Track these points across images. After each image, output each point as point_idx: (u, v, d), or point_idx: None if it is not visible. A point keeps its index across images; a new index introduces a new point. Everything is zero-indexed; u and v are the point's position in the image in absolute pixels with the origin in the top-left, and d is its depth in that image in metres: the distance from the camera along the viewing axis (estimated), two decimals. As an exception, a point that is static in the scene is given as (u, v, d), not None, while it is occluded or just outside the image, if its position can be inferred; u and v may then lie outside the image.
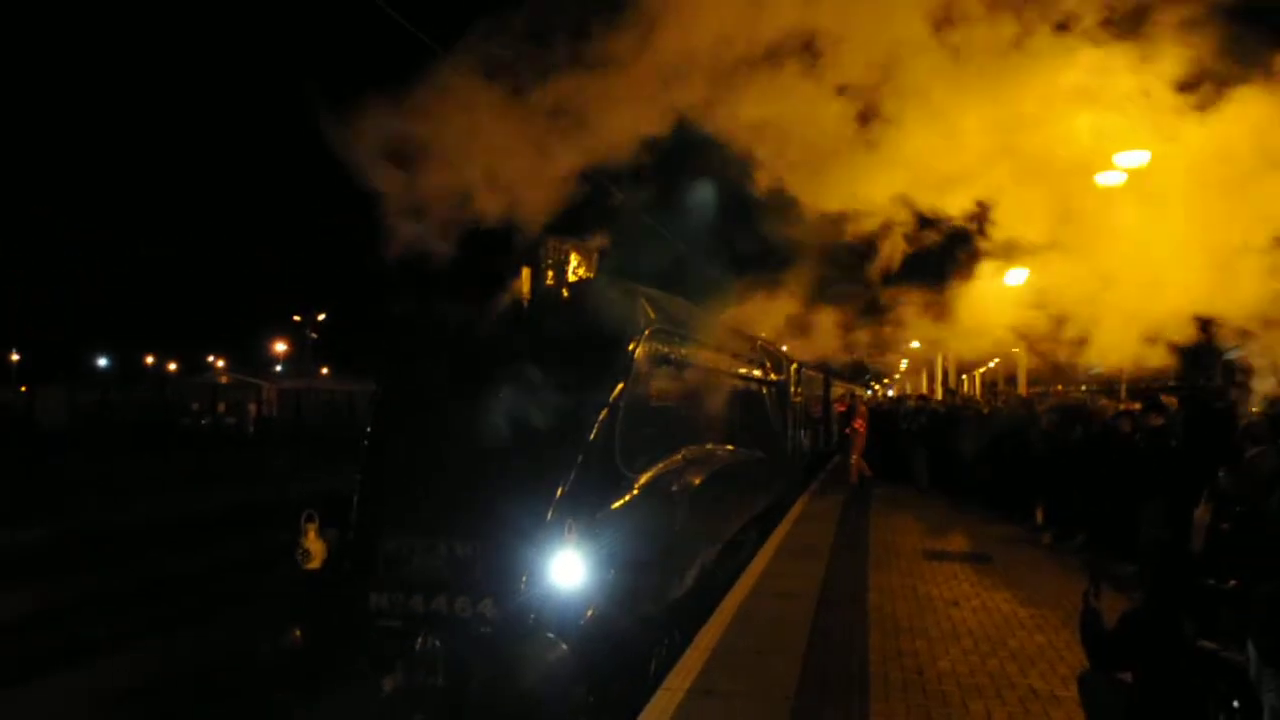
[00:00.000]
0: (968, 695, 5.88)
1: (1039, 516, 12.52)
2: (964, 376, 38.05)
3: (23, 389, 33.50)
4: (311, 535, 6.29)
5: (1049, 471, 12.05)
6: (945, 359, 29.67)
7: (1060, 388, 19.53)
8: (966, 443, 15.91)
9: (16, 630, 10.08)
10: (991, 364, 33.12)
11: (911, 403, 25.09)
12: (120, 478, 20.75)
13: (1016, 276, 18.10)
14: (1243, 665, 3.51)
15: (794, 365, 17.08)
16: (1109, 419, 11.39)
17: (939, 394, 28.73)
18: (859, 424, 18.79)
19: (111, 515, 16.52)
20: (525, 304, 7.13)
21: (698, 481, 8.07)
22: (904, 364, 44.88)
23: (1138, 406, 12.01)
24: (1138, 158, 9.89)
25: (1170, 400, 10.88)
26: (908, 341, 29.86)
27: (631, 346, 7.13)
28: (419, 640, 5.76)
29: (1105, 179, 10.63)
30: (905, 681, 6.14)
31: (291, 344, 60.38)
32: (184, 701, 7.85)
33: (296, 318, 53.02)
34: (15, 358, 61.25)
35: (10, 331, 57.27)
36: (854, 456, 18.61)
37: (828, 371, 23.97)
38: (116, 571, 12.74)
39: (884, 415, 21.91)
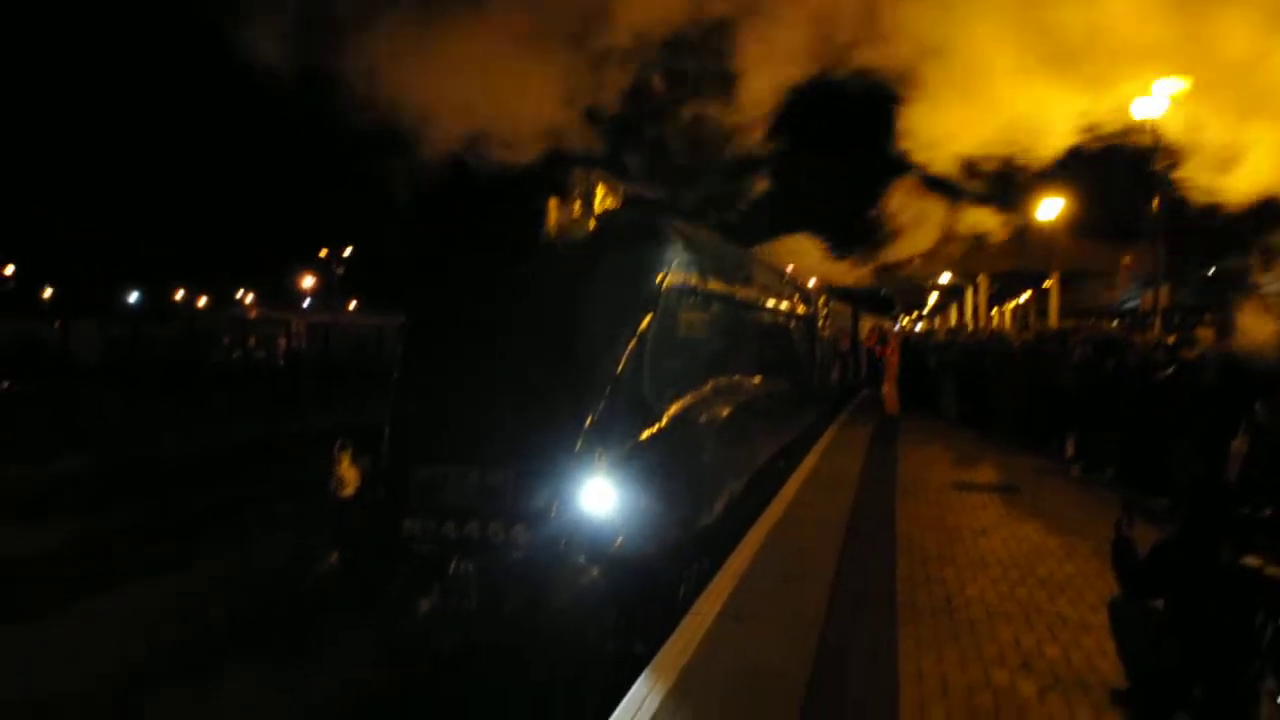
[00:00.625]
0: (996, 621, 5.91)
1: (1069, 449, 12.46)
2: (994, 311, 37.69)
3: (57, 324, 33.87)
4: (345, 463, 6.36)
5: (1080, 404, 11.96)
6: (976, 292, 29.37)
7: (1092, 321, 19.29)
8: (995, 376, 15.83)
9: (55, 558, 10.32)
10: (1023, 298, 32.74)
11: (941, 335, 24.92)
12: (153, 411, 21.06)
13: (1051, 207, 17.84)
14: None
15: (822, 298, 16.98)
16: (1143, 351, 11.26)
17: (970, 327, 28.50)
18: (890, 353, 18.77)
19: (145, 447, 16.79)
20: (553, 235, 7.08)
21: (726, 412, 8.08)
22: (933, 297, 44.51)
23: (1172, 339, 11.87)
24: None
25: (1205, 334, 10.73)
26: (938, 274, 29.66)
27: (660, 277, 7.08)
28: (452, 565, 5.85)
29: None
30: (934, 607, 6.18)
31: (319, 279, 60.53)
32: (226, 625, 8.04)
33: (323, 252, 53.03)
34: (48, 292, 61.96)
35: (43, 266, 57.84)
36: (886, 385, 18.64)
37: (856, 304, 23.82)
38: (152, 502, 12.98)
39: (913, 348, 21.78)
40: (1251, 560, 3.62)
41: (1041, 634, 5.66)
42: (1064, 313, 23.49)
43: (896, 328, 40.90)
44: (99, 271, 58.40)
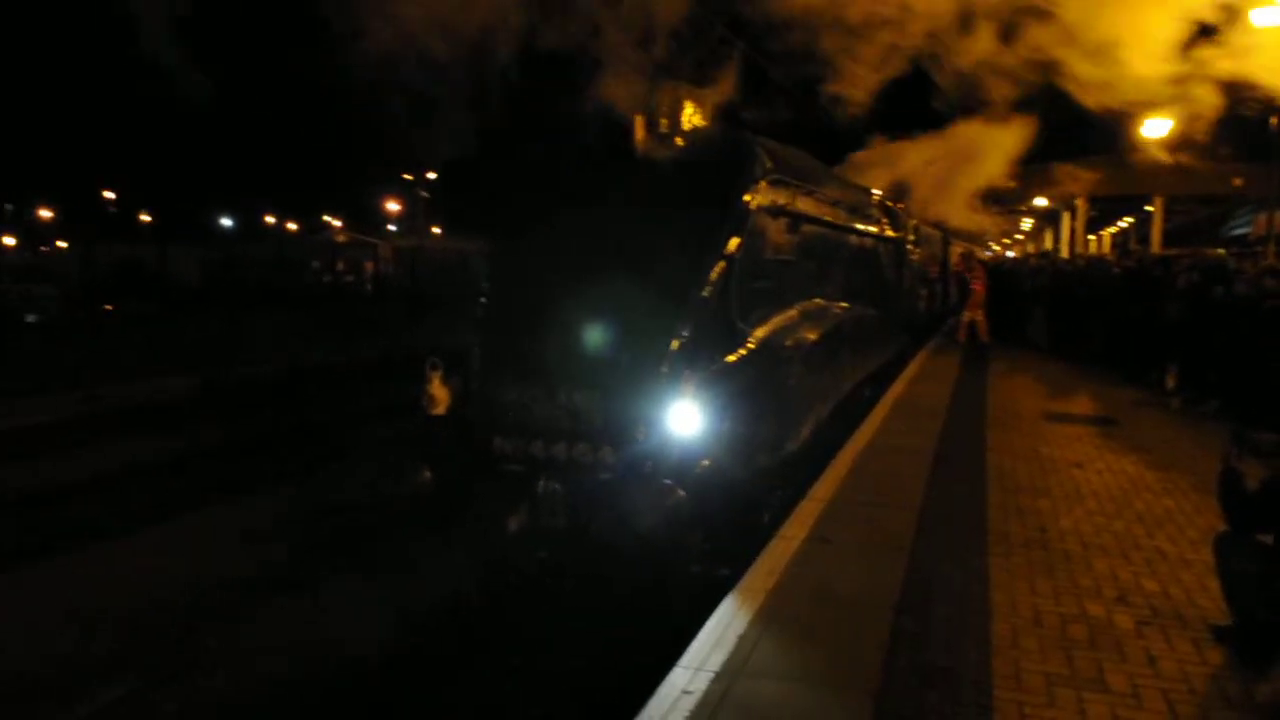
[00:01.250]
0: (1091, 554, 5.77)
1: (1170, 381, 12.01)
2: (1090, 237, 36.27)
3: (155, 247, 35.04)
4: (436, 382, 6.46)
5: (1184, 334, 11.48)
6: (1074, 217, 28.28)
7: (1198, 248, 18.39)
8: (1093, 304, 15.29)
9: (163, 472, 10.81)
10: (1124, 223, 31.45)
11: (1034, 260, 24.11)
12: (249, 332, 21.74)
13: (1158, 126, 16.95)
14: None
15: (913, 222, 16.52)
16: (1254, 278, 10.71)
17: (1065, 254, 27.52)
18: (977, 284, 18.26)
19: (242, 368, 17.37)
20: (639, 153, 6.97)
21: (812, 336, 7.95)
22: (1027, 224, 43.07)
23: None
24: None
25: None
26: (1031, 199, 28.57)
27: (747, 197, 6.93)
28: (540, 483, 5.93)
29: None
30: (1026, 538, 6.06)
31: (404, 203, 61.19)
32: (322, 539, 8.34)
33: (407, 176, 53.51)
34: (147, 218, 63.98)
35: (142, 192, 59.63)
36: (966, 314, 18.26)
37: (946, 230, 23.15)
38: (250, 420, 13.46)
39: (1004, 275, 21.11)
40: None
41: (1139, 568, 5.51)
42: (1168, 239, 22.50)
43: (988, 253, 39.79)
44: (194, 197, 60.02)
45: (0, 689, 5.80)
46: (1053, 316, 17.54)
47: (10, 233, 54.84)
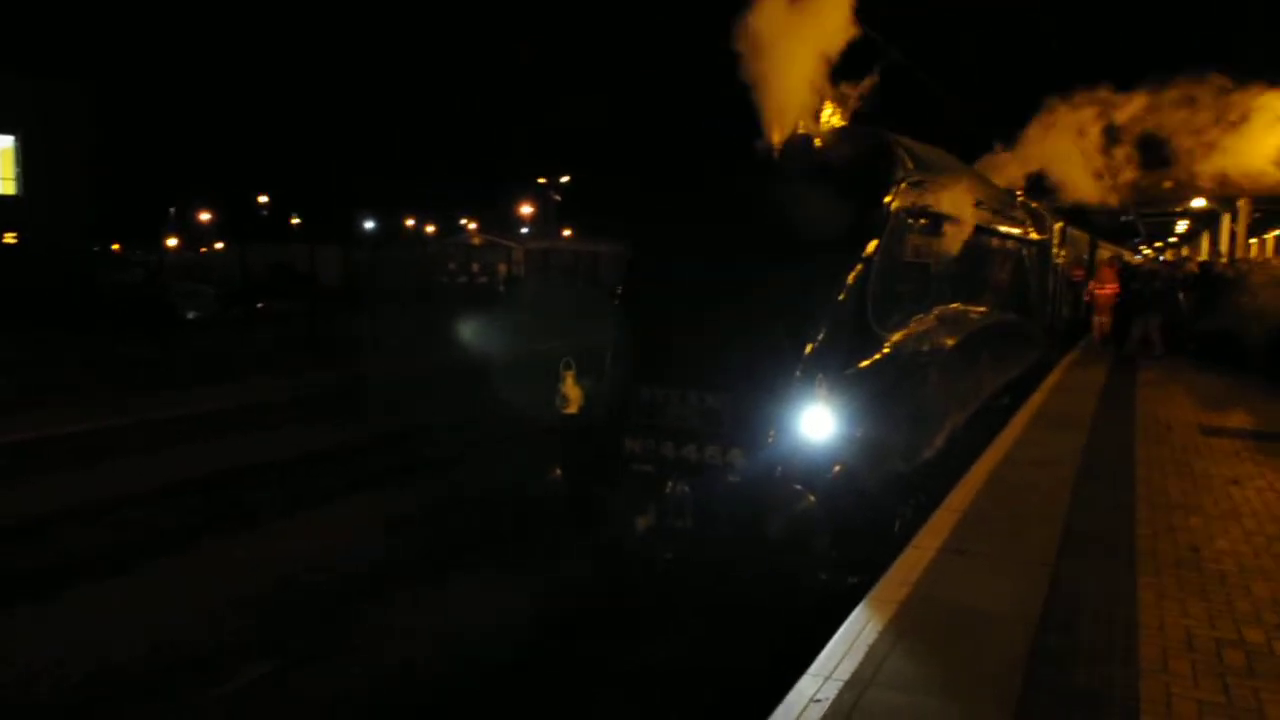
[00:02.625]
0: (1249, 577, 5.43)
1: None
2: (1252, 241, 34.05)
3: (304, 249, 36.84)
4: (569, 382, 6.58)
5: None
6: (1235, 219, 26.63)
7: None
8: (1252, 310, 14.40)
9: (316, 461, 11.36)
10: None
11: (1153, 264, 22.85)
12: (390, 330, 22.62)
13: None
14: None
15: (1058, 225, 15.89)
16: None
17: (1224, 258, 25.95)
18: (1096, 286, 18.02)
19: (387, 364, 18.09)
20: (776, 154, 6.93)
21: (950, 343, 7.76)
22: (1182, 225, 40.78)
23: None
24: None
25: None
26: (1188, 200, 27.01)
27: (887, 199, 6.82)
28: (670, 484, 5.97)
29: None
30: (1178, 558, 5.75)
31: (537, 206, 62.54)
32: (457, 530, 8.62)
33: (541, 180, 54.67)
34: (296, 220, 67.25)
35: (290, 196, 62.69)
36: (1097, 317, 17.86)
37: (1095, 232, 22.13)
38: (398, 413, 14.00)
39: (1154, 278, 20.10)
40: None
41: (1304, 594, 5.16)
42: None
43: (1138, 257, 37.90)
44: (339, 200, 62.83)
45: (158, 662, 6.22)
46: (1208, 323, 16.59)
47: (174, 234, 58.53)
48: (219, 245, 56.65)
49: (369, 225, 68.50)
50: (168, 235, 57.29)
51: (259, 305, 33.78)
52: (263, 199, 66.17)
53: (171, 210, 60.94)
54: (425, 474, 10.85)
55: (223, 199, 60.78)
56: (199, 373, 16.39)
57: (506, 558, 7.21)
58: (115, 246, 50.77)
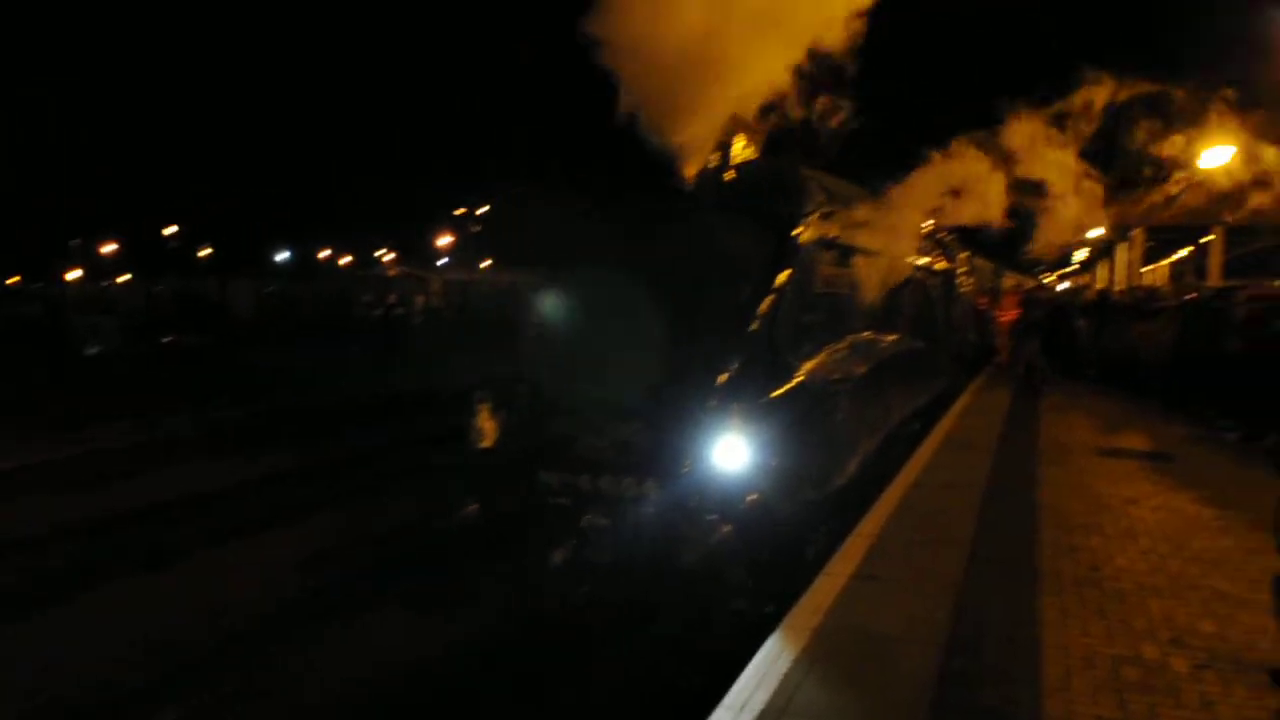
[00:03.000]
0: (1146, 594, 5.65)
1: (1225, 415, 11.75)
2: (1145, 269, 35.59)
3: (214, 281, 35.96)
4: (484, 415, 6.54)
5: (1242, 368, 11.23)
6: (1130, 247, 27.80)
7: (1259, 279, 17.98)
8: (1147, 336, 15.07)
9: (221, 499, 11.03)
10: (1182, 253, 30.81)
11: (1091, 294, 23.80)
12: (301, 363, 22.17)
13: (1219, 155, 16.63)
14: None
15: (964, 254, 16.40)
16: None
17: (1119, 285, 27.06)
18: (999, 311, 18.71)
19: (296, 398, 17.71)
20: (691, 185, 7.03)
21: (861, 370, 7.92)
22: (1081, 254, 42.39)
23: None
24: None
25: None
26: (1088, 228, 28.11)
27: (797, 231, 6.96)
28: (586, 517, 5.96)
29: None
30: (1079, 577, 5.94)
31: (455, 237, 62.12)
32: (370, 566, 8.44)
33: (459, 211, 54.40)
34: (207, 251, 65.57)
35: (202, 227, 61.09)
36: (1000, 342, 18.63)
37: (999, 261, 22.90)
38: (308, 449, 13.70)
39: (1053, 306, 20.96)
40: None
41: (1195, 609, 5.38)
42: (1228, 270, 22.00)
43: (1039, 285, 39.26)
44: (252, 232, 61.50)
45: (53, 714, 5.94)
46: (1106, 349, 17.29)
47: (76, 266, 56.50)
48: (124, 277, 54.87)
49: (282, 257, 67.18)
50: (70, 267, 55.28)
51: (166, 339, 32.80)
52: (170, 230, 64.41)
53: (74, 242, 58.94)
54: (338, 509, 10.63)
55: (129, 230, 58.97)
56: (99, 409, 15.79)
57: (421, 595, 7.08)
58: (13, 279, 48.82)
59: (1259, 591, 5.29)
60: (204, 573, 8.51)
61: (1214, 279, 20.00)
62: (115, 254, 59.42)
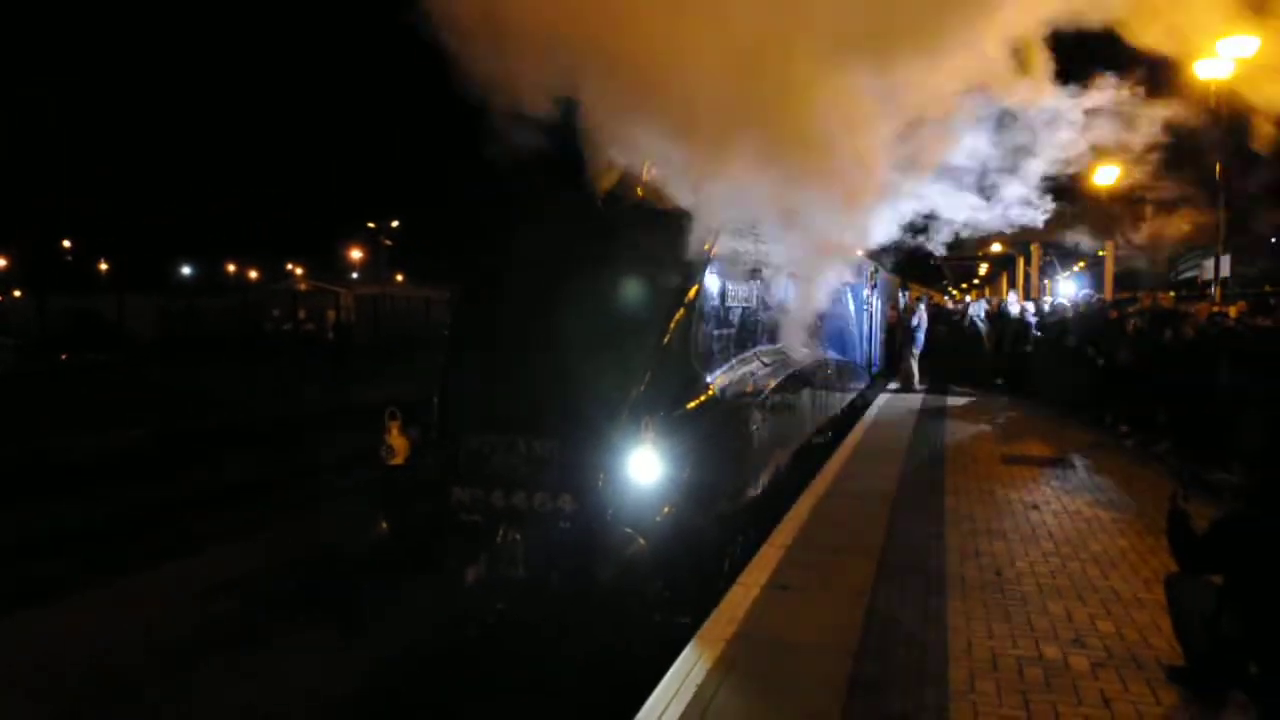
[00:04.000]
0: (1048, 596, 5.83)
1: (1123, 423, 12.25)
2: (1047, 282, 36.91)
3: (112, 297, 34.63)
4: (394, 432, 6.42)
5: (1135, 377, 11.72)
6: (1028, 262, 28.81)
7: (1149, 291, 18.83)
8: (1047, 347, 15.62)
9: (122, 525, 10.60)
10: (1076, 268, 32.04)
11: (992, 307, 24.55)
12: (208, 383, 21.47)
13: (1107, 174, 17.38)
14: None
15: (872, 269, 16.76)
16: (1209, 318, 10.99)
17: (1020, 297, 27.99)
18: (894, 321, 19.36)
19: (199, 419, 17.15)
20: (601, 200, 7.04)
21: (773, 383, 8.02)
22: (984, 268, 43.74)
23: (1234, 311, 11.57)
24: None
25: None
26: (988, 244, 29.06)
27: (708, 246, 7.02)
28: (499, 534, 5.89)
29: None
30: (983, 581, 6.11)
31: (367, 251, 61.25)
32: (277, 591, 8.18)
33: (371, 224, 53.63)
34: (104, 266, 63.27)
35: (98, 240, 58.99)
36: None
37: (906, 275, 23.50)
38: (210, 472, 13.27)
39: (954, 318, 21.60)
40: None
41: (1095, 609, 5.58)
42: (1120, 284, 22.97)
43: (946, 298, 40.40)
44: (153, 246, 59.59)
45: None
46: (1010, 360, 17.87)
47: (-38, 283, 53.95)
48: (16, 294, 52.54)
49: (186, 271, 65.20)
50: (-45, 284, 52.75)
51: (63, 357, 31.41)
52: (66, 244, 62.01)
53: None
54: (242, 535, 10.28)
55: (21, 243, 56.55)
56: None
57: (326, 621, 6.89)
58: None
59: (1154, 591, 5.50)
60: (95, 606, 8.13)
61: (1107, 292, 20.84)
62: (6, 269, 56.94)
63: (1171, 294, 20.31)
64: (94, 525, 10.47)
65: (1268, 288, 20.57)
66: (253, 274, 69.51)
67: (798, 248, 8.65)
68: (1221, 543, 4.19)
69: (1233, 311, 11.69)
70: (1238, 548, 4.02)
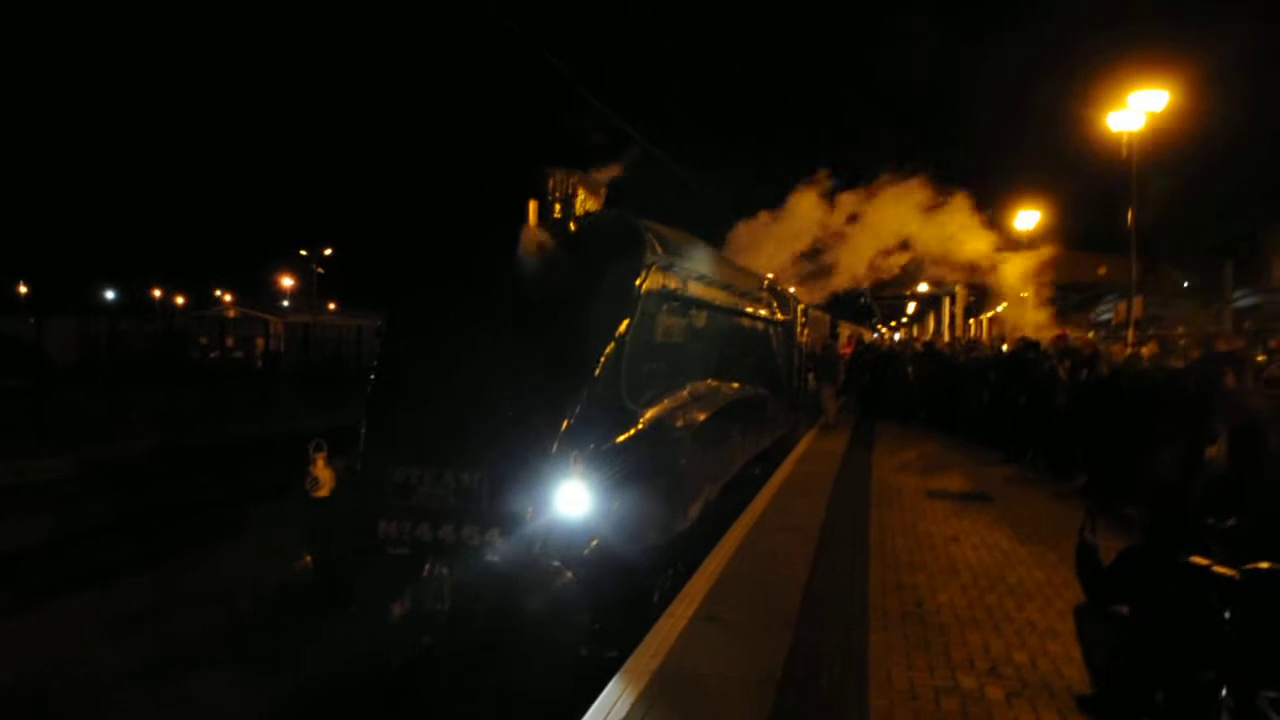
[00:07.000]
0: (966, 627, 5.98)
1: (1040, 459, 12.63)
2: (972, 321, 37.92)
3: (31, 320, 33.51)
4: (320, 463, 6.35)
5: (1053, 415, 12.09)
6: (954, 302, 29.59)
7: (1065, 332, 19.50)
8: (970, 386, 16.05)
9: (34, 555, 10.25)
10: (1000, 309, 32.99)
11: (918, 346, 25.13)
12: (131, 410, 20.87)
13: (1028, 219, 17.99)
14: (1233, 579, 3.56)
15: (800, 306, 17.06)
16: (1125, 359, 11.40)
17: (946, 337, 28.71)
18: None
19: (121, 448, 16.64)
20: (532, 236, 7.09)
21: (702, 417, 8.11)
22: (911, 307, 44.76)
23: (1147, 351, 12.02)
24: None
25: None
26: (916, 285, 29.84)
27: (638, 281, 7.10)
28: (426, 567, 5.85)
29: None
30: (904, 612, 6.24)
31: (298, 278, 60.36)
32: (196, 625, 7.99)
33: (303, 252, 52.91)
34: (23, 289, 61.35)
35: (18, 262, 57.21)
36: (826, 390, 19.14)
37: (835, 314, 23.93)
38: (126, 503, 12.88)
39: (883, 356, 22.05)
40: (1199, 560, 3.71)
41: (1010, 640, 5.73)
42: (1039, 326, 23.73)
43: (874, 335, 41.18)
44: (75, 268, 57.97)
45: None
46: (935, 398, 18.29)
47: None
48: (-74, 317, 50.55)
49: (110, 295, 63.47)
50: None
51: (-28, 382, 30.26)
52: (-20, 266, 60.03)
53: None
54: (163, 566, 10.03)
55: (-68, 265, 54.62)
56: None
57: (252, 654, 6.75)
58: None
59: (1068, 621, 5.65)
60: (6, 635, 7.86)
61: (1028, 331, 21.47)
62: (-84, 291, 54.84)
63: (1091, 334, 21.05)
64: (10, 553, 10.11)
65: (1180, 329, 21.43)
66: (179, 300, 68.00)
67: (728, 283, 8.81)
68: (1125, 574, 4.35)
69: (1145, 352, 12.14)
70: (1140, 579, 4.18)
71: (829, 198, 17.36)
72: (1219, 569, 3.60)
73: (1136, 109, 12.73)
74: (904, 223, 17.94)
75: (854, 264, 18.68)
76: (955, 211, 17.91)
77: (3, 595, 8.83)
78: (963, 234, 18.20)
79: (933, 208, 17.73)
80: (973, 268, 19.14)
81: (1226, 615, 3.46)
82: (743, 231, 17.11)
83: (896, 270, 20.01)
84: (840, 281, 19.33)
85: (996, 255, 18.95)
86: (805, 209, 17.04)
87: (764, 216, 17.34)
